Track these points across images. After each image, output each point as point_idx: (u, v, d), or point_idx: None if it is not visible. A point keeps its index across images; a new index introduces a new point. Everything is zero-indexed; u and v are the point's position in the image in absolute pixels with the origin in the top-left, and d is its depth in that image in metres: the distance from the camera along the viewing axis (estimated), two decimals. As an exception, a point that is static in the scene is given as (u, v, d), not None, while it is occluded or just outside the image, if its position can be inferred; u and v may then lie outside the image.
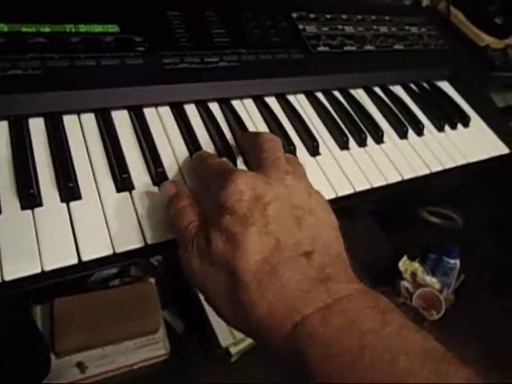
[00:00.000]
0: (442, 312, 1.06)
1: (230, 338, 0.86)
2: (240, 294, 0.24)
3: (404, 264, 1.14)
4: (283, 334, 0.22)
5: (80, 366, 0.79)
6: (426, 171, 0.44)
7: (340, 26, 0.51)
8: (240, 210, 0.25)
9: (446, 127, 0.50)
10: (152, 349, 0.85)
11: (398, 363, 0.20)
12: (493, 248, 1.17)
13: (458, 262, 1.14)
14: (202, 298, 0.83)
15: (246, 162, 0.36)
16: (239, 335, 0.87)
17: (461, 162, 0.47)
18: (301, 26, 0.49)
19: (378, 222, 1.19)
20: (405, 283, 1.12)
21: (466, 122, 0.51)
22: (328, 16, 0.52)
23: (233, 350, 0.87)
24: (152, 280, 0.90)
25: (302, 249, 0.25)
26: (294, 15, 0.49)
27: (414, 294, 1.09)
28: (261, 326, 0.23)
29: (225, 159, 0.32)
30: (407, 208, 1.17)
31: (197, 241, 0.26)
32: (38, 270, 0.26)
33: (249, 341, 0.88)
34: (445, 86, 0.56)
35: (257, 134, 0.31)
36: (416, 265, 1.14)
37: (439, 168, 0.45)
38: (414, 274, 1.13)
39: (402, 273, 1.12)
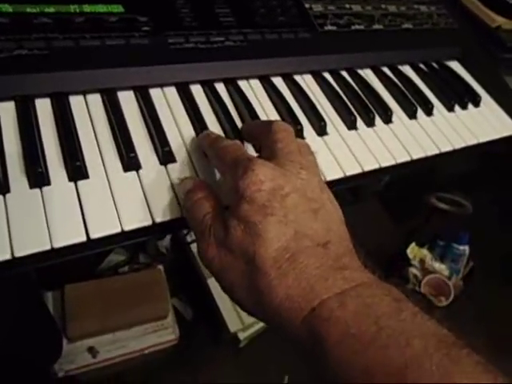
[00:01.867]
0: (451, 298, 1.06)
1: (238, 324, 0.87)
2: (259, 280, 0.24)
3: (412, 250, 1.14)
4: (301, 317, 0.23)
5: (91, 350, 0.80)
6: (436, 151, 0.43)
7: (347, 5, 0.50)
8: (259, 200, 0.25)
9: (456, 107, 0.49)
10: (162, 334, 0.86)
11: (413, 345, 0.20)
12: (502, 234, 1.16)
13: (467, 248, 1.13)
14: (210, 284, 0.84)
15: (254, 146, 0.36)
16: (248, 321, 0.87)
17: (471, 141, 0.46)
18: (307, 5, 0.48)
19: (386, 208, 1.18)
20: (413, 270, 1.11)
21: (476, 101, 0.50)
22: (335, -5, 0.51)
23: (241, 336, 0.88)
24: (161, 267, 0.91)
25: (319, 239, 0.25)
26: (301, -6, 0.48)
27: (423, 281, 1.09)
28: (278, 311, 0.24)
29: (237, 142, 0.31)
30: (416, 194, 1.16)
31: (214, 230, 0.26)
32: (48, 247, 0.27)
33: (257, 326, 0.89)
34: (455, 65, 0.55)
35: (270, 122, 0.31)
36: (425, 251, 1.14)
37: (449, 148, 0.44)
38: (422, 261, 1.13)
39: (410, 259, 1.12)
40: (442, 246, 1.16)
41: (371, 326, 0.21)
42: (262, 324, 0.89)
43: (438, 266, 1.12)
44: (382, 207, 1.18)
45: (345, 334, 0.22)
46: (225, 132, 0.37)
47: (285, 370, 0.89)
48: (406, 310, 0.22)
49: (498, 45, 0.67)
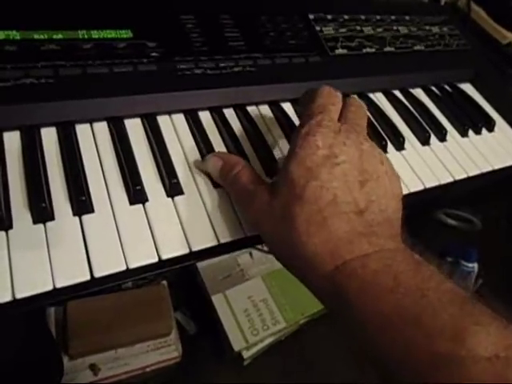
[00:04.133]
0: (460, 317, 1.04)
1: (242, 343, 0.85)
2: (290, 235, 0.26)
3: (420, 267, 1.12)
4: (325, 272, 0.25)
5: (93, 368, 0.79)
6: (450, 179, 0.42)
7: (358, 27, 0.50)
8: (308, 163, 0.27)
9: (470, 132, 0.48)
10: (165, 351, 0.85)
11: (428, 297, 0.22)
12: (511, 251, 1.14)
13: (476, 265, 1.11)
14: (214, 301, 0.82)
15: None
16: (252, 339, 0.86)
17: (486, 169, 0.45)
18: (318, 28, 0.47)
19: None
20: (421, 287, 1.09)
21: (490, 126, 0.49)
22: (346, 17, 0.50)
23: (245, 355, 0.86)
24: (164, 282, 0.90)
25: (355, 207, 0.26)
26: (311, 16, 0.48)
27: (431, 299, 1.07)
28: (304, 264, 0.26)
29: (339, 95, 0.32)
30: (424, 210, 1.14)
31: (261, 192, 0.29)
32: (50, 288, 0.26)
33: (261, 345, 0.87)
34: (467, 87, 0.54)
35: (349, 97, 0.33)
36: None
37: (463, 176, 0.43)
38: (430, 278, 1.11)
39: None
40: (450, 263, 1.14)
41: (389, 280, 0.23)
42: (266, 343, 0.88)
43: (446, 283, 1.10)
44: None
45: (364, 286, 0.24)
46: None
47: (289, 388, 0.87)
48: (425, 271, 0.24)
49: (510, 62, 0.66)
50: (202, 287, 0.91)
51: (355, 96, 0.34)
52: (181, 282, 0.95)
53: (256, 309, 0.89)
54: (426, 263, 0.25)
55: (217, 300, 0.89)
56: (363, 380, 0.82)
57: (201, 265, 0.92)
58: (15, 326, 0.47)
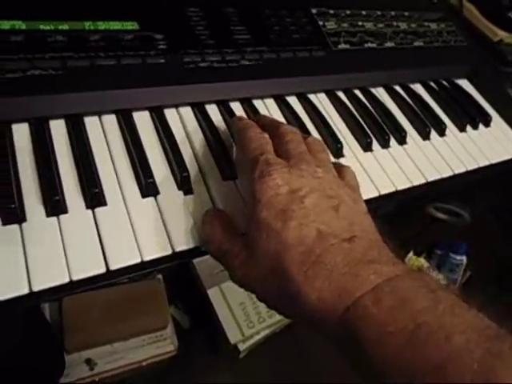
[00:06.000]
0: (448, 308, 1.07)
1: (238, 335, 0.86)
2: (289, 287, 0.24)
3: (410, 260, 1.14)
4: (336, 317, 0.23)
5: (89, 362, 0.79)
6: (450, 173, 0.43)
7: (360, 23, 0.50)
8: (277, 205, 0.25)
9: (468, 127, 0.49)
10: (160, 345, 0.85)
11: (453, 340, 0.20)
12: (499, 245, 1.17)
13: (464, 258, 1.14)
14: (210, 295, 0.83)
15: None
16: (248, 332, 0.87)
17: (483, 163, 0.46)
18: (321, 23, 0.47)
19: (383, 217, 1.18)
20: (411, 279, 1.12)
21: (487, 121, 0.50)
22: (347, 12, 0.50)
23: (241, 347, 0.87)
24: (160, 277, 0.90)
25: (343, 235, 0.25)
26: (314, 11, 0.48)
27: (420, 290, 1.09)
28: (312, 313, 0.23)
29: (263, 137, 0.30)
30: (414, 204, 1.16)
31: (237, 252, 0.27)
32: (66, 280, 0.26)
33: (257, 337, 0.88)
34: (464, 83, 0.55)
35: (278, 125, 0.31)
36: (422, 261, 1.14)
37: (462, 170, 0.44)
38: (420, 270, 1.13)
39: (408, 269, 1.12)
40: (439, 256, 1.16)
41: (409, 323, 0.21)
42: (262, 335, 0.89)
43: (435, 275, 1.13)
44: (380, 216, 1.19)
45: (382, 333, 0.21)
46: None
47: (284, 380, 0.89)
48: (444, 300, 0.22)
49: (500, 59, 0.68)
50: (197, 281, 0.91)
51: (284, 123, 0.32)
52: (175, 276, 0.95)
53: (252, 302, 0.90)
54: (439, 288, 0.23)
55: (212, 293, 0.89)
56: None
57: (196, 259, 0.92)
58: (15, 321, 0.47)
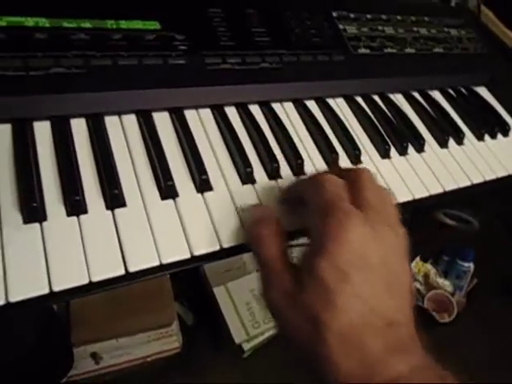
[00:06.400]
0: (454, 315, 1.06)
1: (243, 335, 0.86)
2: (320, 347, 0.23)
3: (417, 265, 1.13)
4: None
5: (94, 356, 0.79)
6: (468, 183, 0.43)
7: (380, 27, 0.50)
8: (340, 263, 0.24)
9: (486, 136, 0.48)
10: (166, 342, 0.86)
11: None
12: (507, 253, 1.16)
13: (471, 265, 1.13)
14: (216, 293, 0.83)
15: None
16: (252, 332, 0.87)
17: (501, 173, 0.45)
18: (341, 26, 0.47)
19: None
20: (417, 284, 1.11)
21: (505, 130, 0.50)
22: (368, 16, 0.50)
23: (245, 347, 0.87)
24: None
25: (388, 318, 0.24)
26: (335, 14, 0.48)
27: (426, 296, 1.09)
28: (331, 377, 0.23)
29: (339, 182, 0.28)
30: (426, 210, 1.15)
31: (283, 278, 0.26)
32: (86, 281, 0.26)
33: (261, 338, 0.88)
34: (483, 91, 0.55)
35: (351, 168, 0.31)
36: (429, 266, 1.14)
37: (480, 180, 0.44)
38: (426, 276, 1.13)
39: (414, 274, 1.11)
40: (446, 262, 1.15)
41: None
42: (266, 335, 0.89)
43: (441, 281, 1.12)
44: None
45: None
46: (259, 156, 0.36)
47: (288, 380, 0.88)
48: None
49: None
50: (204, 279, 0.92)
51: (364, 169, 0.29)
52: (182, 273, 0.95)
53: (258, 302, 0.90)
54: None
55: (219, 292, 0.89)
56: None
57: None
58: (27, 319, 0.47)
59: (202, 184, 0.32)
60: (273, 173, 0.35)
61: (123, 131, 0.33)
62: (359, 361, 0.23)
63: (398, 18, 0.52)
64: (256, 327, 0.88)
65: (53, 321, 0.59)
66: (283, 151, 0.37)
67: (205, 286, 0.92)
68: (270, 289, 0.26)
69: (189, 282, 0.95)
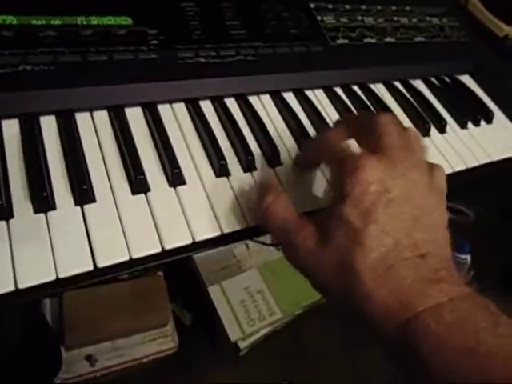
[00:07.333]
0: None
1: (238, 333, 0.86)
2: (356, 287, 0.24)
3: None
4: (395, 325, 0.23)
5: (89, 358, 0.79)
6: (449, 170, 0.42)
7: (359, 17, 0.49)
8: (365, 203, 0.25)
9: (469, 124, 0.48)
10: (161, 342, 0.85)
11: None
12: (503, 244, 1.15)
13: (468, 257, 1.12)
14: (211, 292, 0.82)
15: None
16: (248, 330, 0.86)
17: (484, 160, 0.45)
18: (319, 17, 0.47)
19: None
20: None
21: (489, 118, 0.49)
22: (347, 6, 0.49)
23: (241, 345, 0.87)
24: (160, 274, 0.90)
25: (418, 251, 0.25)
26: (312, 5, 0.47)
27: (424, 289, 1.08)
28: (372, 316, 0.24)
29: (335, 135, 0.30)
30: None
31: (306, 233, 0.26)
32: (53, 278, 0.25)
33: (258, 335, 0.88)
34: (466, 79, 0.54)
35: (373, 116, 0.30)
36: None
37: (462, 167, 0.43)
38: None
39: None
40: (443, 255, 1.15)
41: (469, 338, 0.21)
42: (262, 333, 0.88)
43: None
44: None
45: (441, 346, 0.22)
46: (235, 150, 0.36)
47: (285, 378, 0.88)
48: (504, 324, 0.22)
49: (505, 54, 0.66)
50: (198, 278, 0.91)
51: (382, 112, 0.30)
52: (176, 273, 0.95)
53: (252, 300, 0.90)
54: (500, 314, 0.23)
55: (213, 291, 0.89)
56: (357, 369, 0.83)
57: (197, 256, 0.92)
58: (12, 317, 0.47)
59: (175, 178, 0.31)
60: (247, 165, 0.34)
61: (94, 127, 0.33)
62: (394, 291, 0.23)
63: (378, 7, 0.52)
64: (251, 325, 0.87)
65: (38, 321, 0.59)
66: (259, 143, 0.37)
67: (200, 285, 0.92)
68: (298, 251, 0.26)
69: (184, 281, 0.94)
